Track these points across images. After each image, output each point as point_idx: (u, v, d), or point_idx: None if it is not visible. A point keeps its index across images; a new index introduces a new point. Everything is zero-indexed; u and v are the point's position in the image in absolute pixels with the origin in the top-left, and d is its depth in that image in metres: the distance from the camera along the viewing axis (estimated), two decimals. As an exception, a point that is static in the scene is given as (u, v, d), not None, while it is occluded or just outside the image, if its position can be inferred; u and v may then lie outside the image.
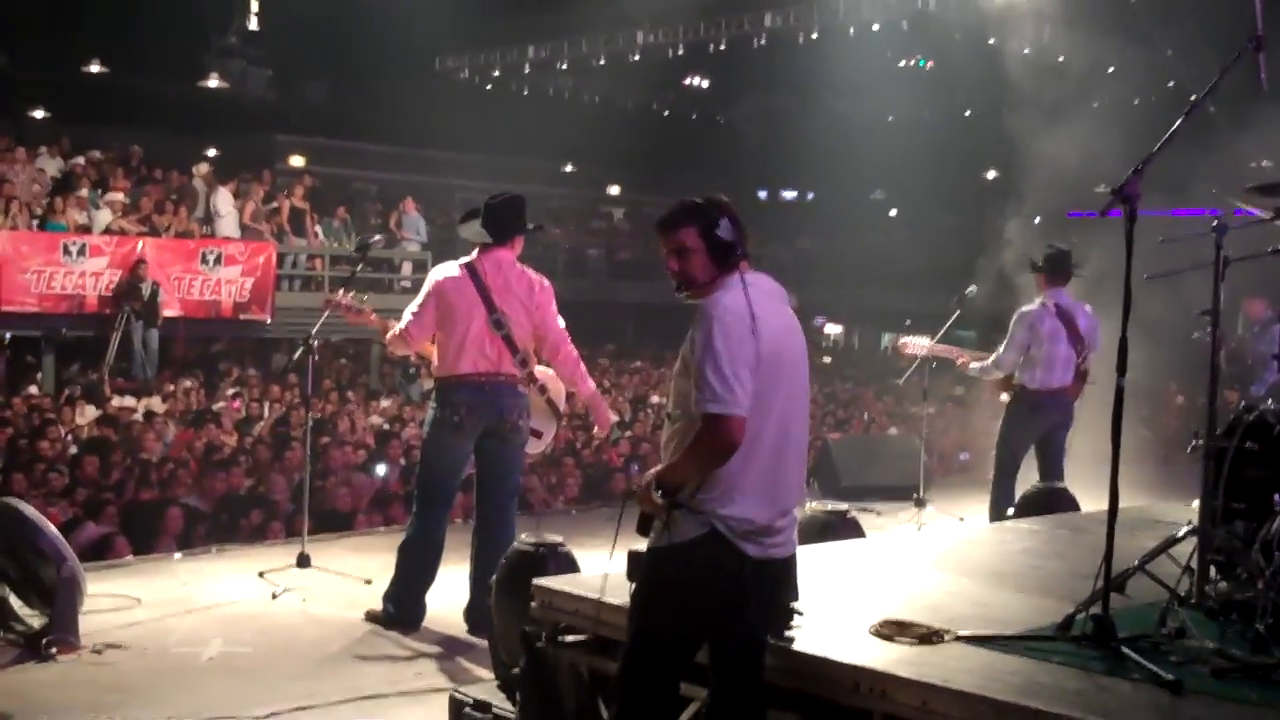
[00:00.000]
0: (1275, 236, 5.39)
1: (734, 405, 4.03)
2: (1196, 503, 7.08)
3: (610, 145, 29.75)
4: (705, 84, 31.99)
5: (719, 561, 4.14)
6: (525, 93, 30.80)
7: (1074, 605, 4.78)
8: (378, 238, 11.81)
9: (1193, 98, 4.95)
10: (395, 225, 22.39)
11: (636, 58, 27.26)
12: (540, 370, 7.49)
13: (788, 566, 4.44)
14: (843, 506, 7.81)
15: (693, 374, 4.12)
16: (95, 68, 25.43)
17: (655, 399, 18.19)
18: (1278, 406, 5.37)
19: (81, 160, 19.68)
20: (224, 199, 19.85)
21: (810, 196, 38.13)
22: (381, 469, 12.25)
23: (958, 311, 11.10)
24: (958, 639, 4.67)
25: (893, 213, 33.35)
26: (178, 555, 9.27)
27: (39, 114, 27.80)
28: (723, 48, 26.24)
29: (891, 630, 4.73)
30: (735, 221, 4.33)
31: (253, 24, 21.20)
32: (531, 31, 28.36)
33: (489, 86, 30.18)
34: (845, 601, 5.22)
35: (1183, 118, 4.68)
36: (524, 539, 6.36)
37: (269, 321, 19.23)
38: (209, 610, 7.55)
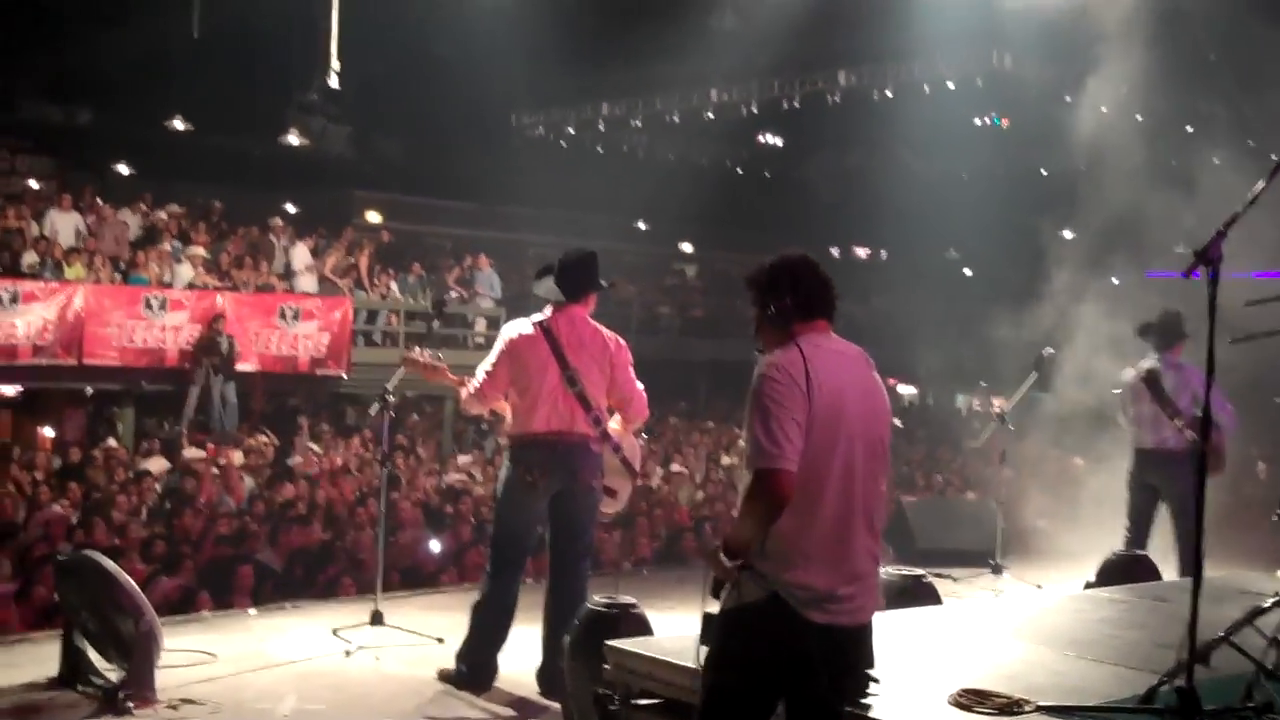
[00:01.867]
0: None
1: (778, 460, 4.03)
2: (1281, 571, 6.98)
3: (683, 202, 29.82)
4: (779, 141, 32.04)
5: (781, 626, 4.12)
6: (599, 149, 31.00)
7: (1156, 676, 4.69)
8: (454, 294, 11.88)
9: (1274, 157, 4.88)
10: (463, 281, 22.54)
11: (711, 115, 27.38)
12: (614, 428, 7.47)
13: (861, 633, 4.38)
14: (918, 571, 7.72)
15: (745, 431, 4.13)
16: (178, 124, 25.89)
17: (727, 460, 18.11)
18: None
19: (163, 215, 20.03)
20: (301, 254, 20.10)
21: (884, 255, 38.02)
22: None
23: (1035, 373, 10.99)
24: (1038, 709, 4.59)
25: (967, 271, 33.17)
26: (253, 611, 9.33)
27: (123, 169, 28.35)
28: (797, 105, 26.27)
29: (971, 700, 4.67)
30: (799, 283, 4.33)
31: (333, 81, 21.47)
32: (606, 89, 28.56)
33: (563, 143, 30.41)
34: (923, 669, 5.16)
35: (1268, 178, 4.61)
36: (597, 600, 6.34)
37: (345, 377, 19.38)
38: (284, 667, 7.57)
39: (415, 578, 11.12)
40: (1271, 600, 5.16)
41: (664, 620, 6.47)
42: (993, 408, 10.71)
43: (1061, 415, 14.21)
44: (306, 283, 19.94)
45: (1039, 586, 10.77)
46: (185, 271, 18.50)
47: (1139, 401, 9.53)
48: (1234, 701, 4.55)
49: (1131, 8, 13.77)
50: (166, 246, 18.89)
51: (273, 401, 20.00)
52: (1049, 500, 15.06)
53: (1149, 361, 9.54)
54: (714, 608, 4.27)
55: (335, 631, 8.23)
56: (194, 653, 7.58)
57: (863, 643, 4.44)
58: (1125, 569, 8.24)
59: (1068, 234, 16.56)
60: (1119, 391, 9.90)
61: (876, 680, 4.64)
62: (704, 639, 4.30)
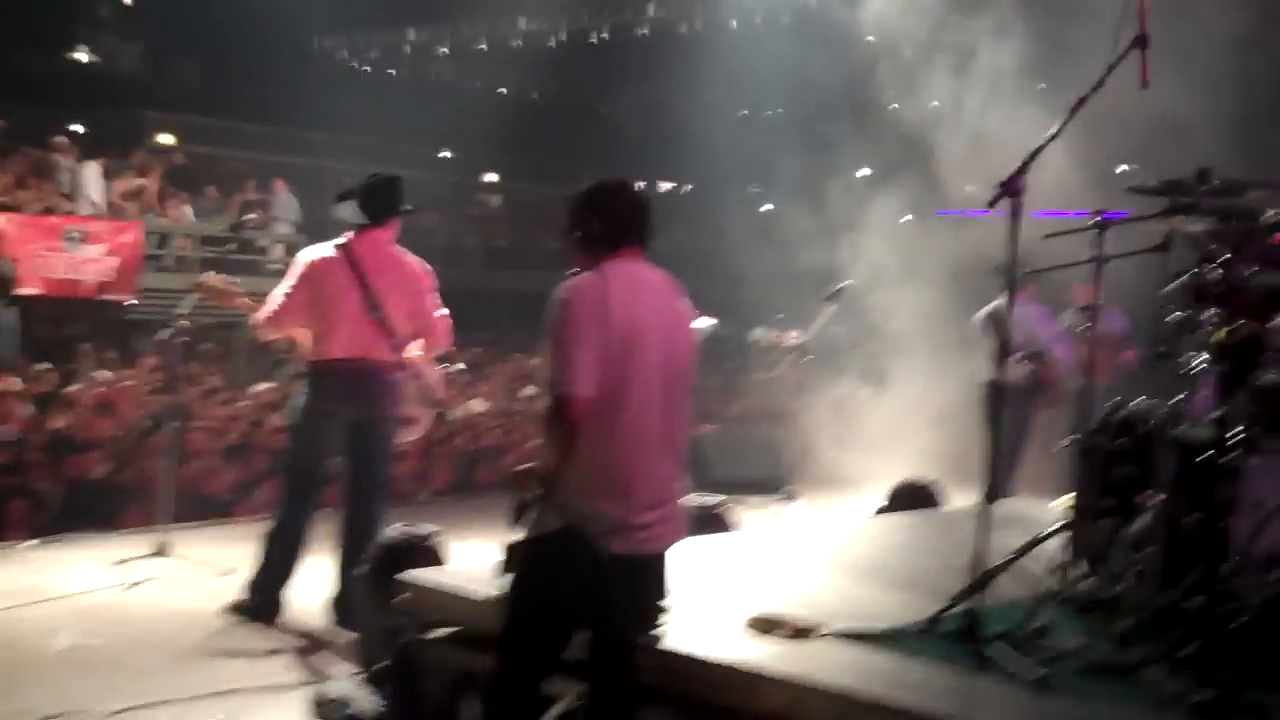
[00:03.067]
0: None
1: (569, 385, 4.02)
2: (1061, 500, 7.22)
3: (488, 132, 29.47)
4: (586, 73, 31.88)
5: (577, 556, 4.10)
6: (404, 76, 30.43)
7: (943, 601, 4.80)
8: (252, 216, 11.53)
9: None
10: (260, 204, 21.94)
11: (518, 44, 27.09)
12: (415, 356, 7.33)
13: (659, 563, 4.39)
14: (713, 500, 7.78)
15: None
16: (-42, 38, 24.66)
17: (528, 390, 18.03)
18: (1147, 404, 5.44)
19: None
20: (92, 175, 19.28)
21: (688, 188, 38.20)
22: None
23: (834, 305, 11.17)
24: (830, 634, 4.66)
25: (768, 207, 33.52)
26: (30, 542, 8.95)
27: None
28: (605, 36, 26.16)
29: (764, 626, 4.70)
30: (609, 209, 4.29)
31: (126, -4, 20.66)
32: (412, 14, 28.01)
33: (367, 69, 29.77)
34: (716, 597, 5.19)
35: (1068, 115, 4.70)
36: (393, 530, 6.24)
37: (134, 303, 18.73)
38: (61, 600, 7.30)
39: (206, 509, 10.82)
40: (1050, 529, 5.32)
41: (464, 550, 6.40)
42: (788, 339, 10.86)
43: (854, 347, 14.53)
44: (94, 206, 19.15)
45: (827, 512, 11.01)
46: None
47: (987, 337, 9.92)
48: (1016, 626, 4.68)
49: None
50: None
51: (57, 328, 19.21)
52: (840, 430, 15.40)
53: (997, 301, 9.84)
54: (516, 536, 4.22)
55: (119, 563, 7.95)
56: (-35, 587, 7.28)
57: (658, 572, 4.45)
58: (913, 495, 8.46)
59: (865, 171, 16.83)
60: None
61: (666, 609, 4.65)
62: (505, 568, 4.25)
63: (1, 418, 12.52)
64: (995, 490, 9.50)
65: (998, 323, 9.75)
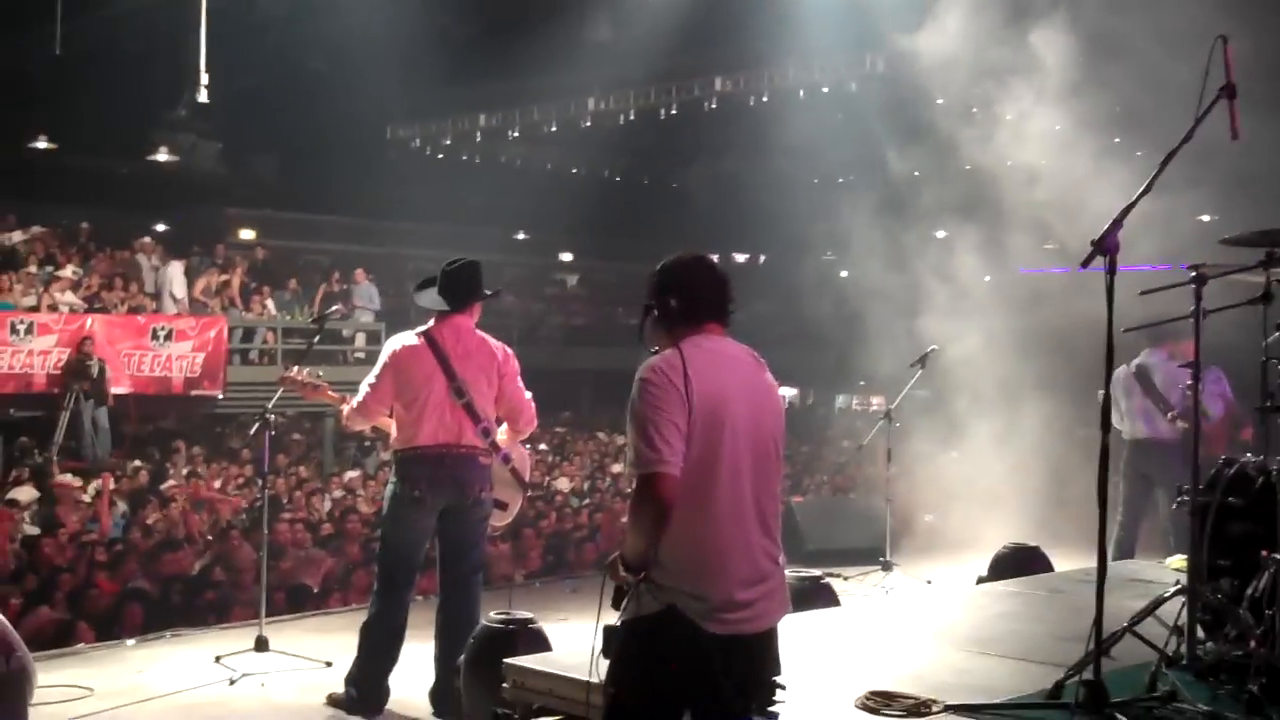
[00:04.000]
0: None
1: (658, 464, 3.93)
2: (1174, 560, 7.05)
3: (562, 212, 29.71)
4: (657, 149, 32.08)
5: (679, 638, 4.01)
6: (477, 161, 30.74)
7: (1060, 670, 4.67)
8: (336, 308, 11.62)
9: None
10: (340, 295, 22.20)
11: (588, 124, 27.28)
12: (503, 440, 7.32)
13: (766, 640, 4.29)
14: (815, 572, 7.68)
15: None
16: (42, 144, 25.19)
17: (616, 468, 18.03)
18: (1259, 459, 5.29)
19: (26, 236, 19.42)
20: (176, 274, 19.65)
21: (762, 259, 38.22)
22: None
23: (920, 369, 11.09)
24: (947, 709, 4.54)
25: (844, 274, 33.43)
26: (131, 641, 9.01)
27: (-15, 192, 27.51)
28: (674, 112, 26.26)
29: (878, 702, 4.61)
30: (686, 286, 4.25)
31: (202, 96, 20.97)
32: (482, 100, 28.32)
33: (440, 156, 30.10)
34: (827, 673, 5.09)
35: (1159, 169, 4.62)
36: (493, 616, 6.20)
37: (221, 397, 18.99)
38: (166, 698, 7.30)
39: (300, 601, 10.85)
40: (1173, 590, 5.17)
41: (559, 632, 6.35)
42: (873, 406, 10.79)
43: (943, 411, 14.36)
44: (180, 304, 19.50)
45: (929, 582, 10.83)
46: (53, 295, 17.97)
47: (1130, 396, 9.86)
48: (1139, 692, 4.54)
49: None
50: (33, 270, 18.33)
51: (147, 424, 19.50)
52: (934, 496, 15.21)
53: (1140, 358, 9.87)
54: (613, 619, 4.16)
55: (218, 659, 7.96)
56: (70, 688, 7.29)
57: (768, 650, 4.35)
58: (1018, 561, 8.29)
59: (940, 234, 16.73)
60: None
61: (783, 687, 4.56)
62: (604, 652, 4.18)
63: (97, 516, 12.70)
64: (1127, 549, 9.46)
65: (1146, 380, 9.78)
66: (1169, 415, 9.62)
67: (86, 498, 13.86)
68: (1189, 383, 9.46)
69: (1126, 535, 9.89)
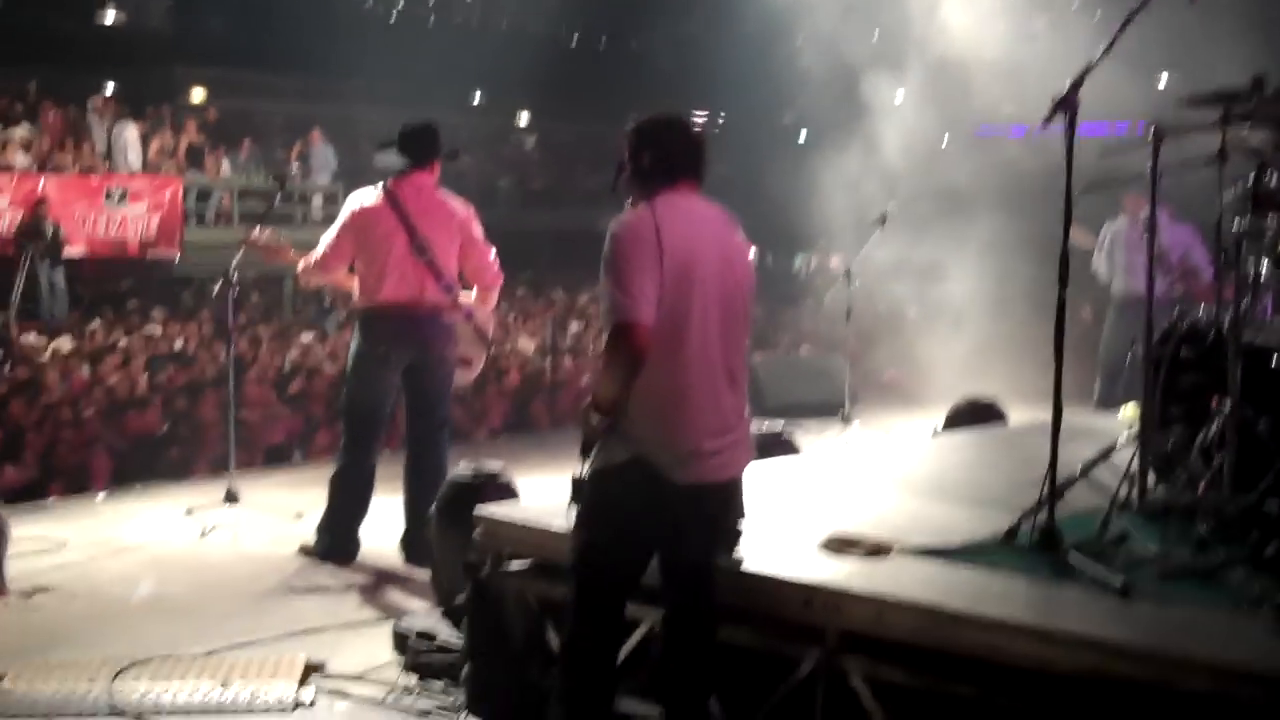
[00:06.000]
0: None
1: (631, 313, 4.02)
2: (1124, 410, 7.22)
3: (519, 73, 29.34)
4: (615, 10, 31.66)
5: (647, 486, 4.13)
6: (431, 21, 30.28)
7: (1015, 515, 4.82)
8: (295, 168, 11.58)
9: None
10: (300, 157, 22.02)
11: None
12: (466, 296, 7.37)
13: (730, 489, 4.42)
14: (776, 425, 7.82)
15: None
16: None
17: (575, 327, 18.10)
18: (1210, 313, 5.42)
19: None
20: (131, 138, 19.37)
21: (721, 120, 37.97)
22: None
23: (879, 228, 11.15)
24: (906, 551, 4.69)
25: (802, 133, 33.28)
26: (101, 495, 9.10)
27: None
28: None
29: (839, 545, 4.74)
30: (661, 144, 4.30)
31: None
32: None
33: (395, 13, 29.63)
34: (789, 518, 5.23)
35: (1119, 29, 4.65)
36: (462, 467, 6.31)
37: (178, 258, 18.86)
38: (138, 550, 7.43)
39: (268, 456, 10.97)
40: (1124, 437, 5.33)
41: (525, 485, 6.47)
42: (832, 265, 10.87)
43: (898, 269, 14.49)
44: (133, 164, 19.27)
45: (886, 433, 11.02)
46: (5, 156, 17.72)
47: (1130, 251, 9.77)
48: (1092, 535, 4.70)
49: None
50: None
51: (104, 286, 19.39)
52: (891, 352, 15.40)
53: (1143, 214, 9.77)
54: (582, 469, 4.26)
55: (189, 512, 8.07)
56: (43, 539, 7.40)
57: (733, 497, 4.48)
58: (974, 414, 8.46)
59: (899, 94, 16.69)
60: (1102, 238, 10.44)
61: (741, 532, 4.70)
62: (574, 500, 4.29)
63: (61, 375, 12.68)
64: (1107, 400, 9.60)
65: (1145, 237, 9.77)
66: (1170, 276, 9.47)
67: (47, 358, 13.83)
68: (1190, 244, 9.61)
69: (1106, 391, 9.95)
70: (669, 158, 4.31)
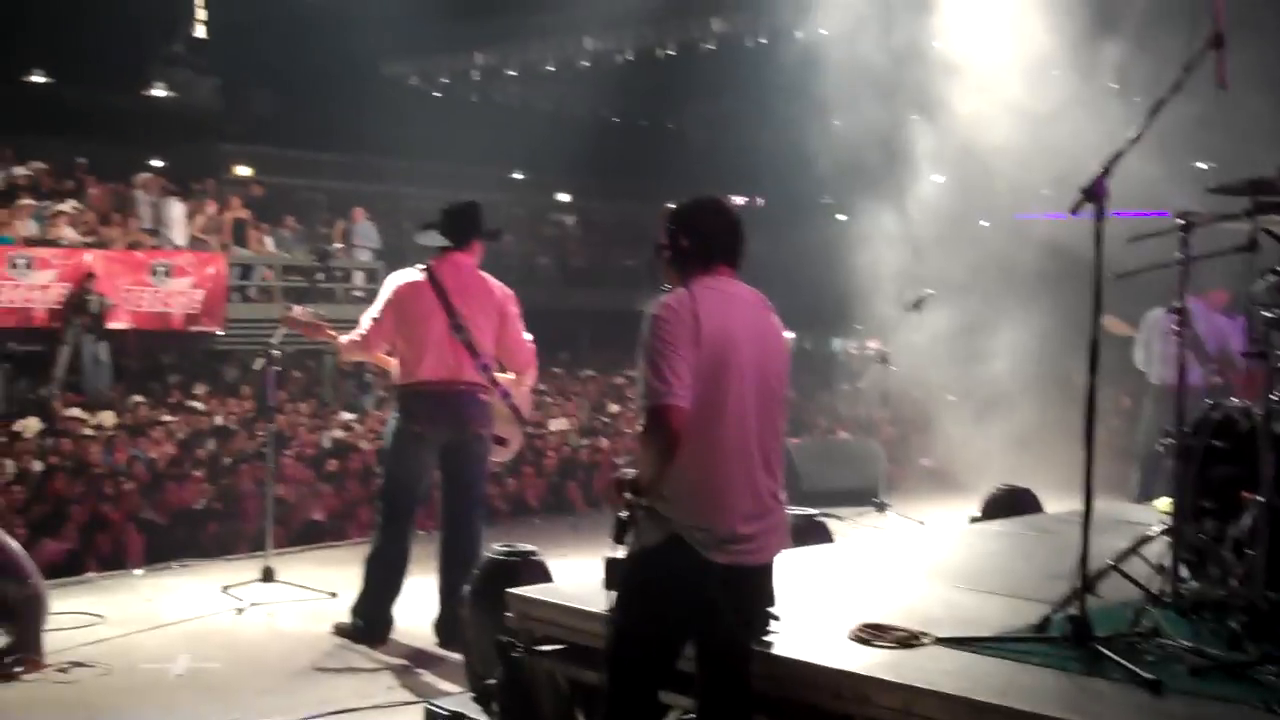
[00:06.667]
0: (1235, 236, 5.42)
1: (668, 396, 4.06)
2: (1160, 502, 7.19)
3: (560, 152, 29.63)
4: (654, 90, 31.95)
5: (684, 568, 4.15)
6: (474, 100, 30.65)
7: (1047, 606, 4.81)
8: (338, 246, 11.73)
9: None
10: (344, 235, 22.25)
11: (586, 64, 27.20)
12: (503, 376, 7.43)
13: (764, 573, 4.44)
14: (810, 510, 7.83)
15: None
16: (38, 77, 25.06)
17: (614, 407, 18.15)
18: (1243, 404, 5.42)
19: (26, 171, 19.42)
20: (178, 215, 19.66)
21: (760, 202, 38.17)
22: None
23: (915, 313, 11.19)
24: (937, 642, 4.69)
25: (840, 217, 33.37)
26: (139, 571, 9.18)
27: (-20, 125, 27.43)
28: (671, 53, 26.20)
29: (870, 634, 4.75)
30: (699, 228, 4.36)
31: (199, 32, 20.90)
32: (479, 38, 28.19)
33: (437, 94, 30.00)
34: (821, 606, 5.24)
35: (1148, 117, 4.71)
36: (496, 548, 6.34)
37: (220, 333, 19.05)
38: (174, 626, 7.48)
39: (305, 534, 11.03)
40: (1157, 528, 5.32)
41: (560, 567, 6.49)
42: (870, 349, 10.88)
43: (936, 355, 14.46)
44: (178, 239, 19.53)
45: (921, 522, 10.99)
46: (53, 230, 17.99)
47: (1167, 339, 9.61)
48: (1123, 627, 4.69)
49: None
50: (29, 203, 18.34)
51: (147, 360, 19.58)
52: (928, 437, 15.34)
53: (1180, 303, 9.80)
54: (617, 552, 4.29)
55: (226, 589, 8.14)
56: (81, 614, 7.46)
57: (766, 582, 4.50)
58: (1009, 502, 8.43)
59: (937, 179, 16.76)
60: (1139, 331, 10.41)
61: (777, 618, 4.72)
62: (608, 584, 4.32)
63: (104, 449, 12.81)
64: (1145, 490, 9.51)
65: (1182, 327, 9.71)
66: (1208, 367, 9.45)
67: (90, 431, 13.98)
68: (1228, 334, 9.56)
69: (1145, 482, 9.85)
70: (707, 241, 4.38)
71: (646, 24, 26.07)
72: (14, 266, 16.85)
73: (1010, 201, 14.89)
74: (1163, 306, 10.01)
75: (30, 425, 14.41)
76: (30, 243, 17.52)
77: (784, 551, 4.47)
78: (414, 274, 7.24)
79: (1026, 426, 13.00)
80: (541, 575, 6.06)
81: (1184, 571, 5.21)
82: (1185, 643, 4.58)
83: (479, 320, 7.18)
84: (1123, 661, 4.32)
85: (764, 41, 24.81)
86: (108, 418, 15.11)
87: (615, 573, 4.30)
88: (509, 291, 7.39)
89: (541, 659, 5.10)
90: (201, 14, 20.68)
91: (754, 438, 4.26)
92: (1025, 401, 13.38)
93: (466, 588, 6.25)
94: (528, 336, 7.42)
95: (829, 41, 23.91)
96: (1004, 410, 13.05)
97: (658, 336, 4.13)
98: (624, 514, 4.21)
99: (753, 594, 4.41)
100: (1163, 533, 5.26)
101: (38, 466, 12.17)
